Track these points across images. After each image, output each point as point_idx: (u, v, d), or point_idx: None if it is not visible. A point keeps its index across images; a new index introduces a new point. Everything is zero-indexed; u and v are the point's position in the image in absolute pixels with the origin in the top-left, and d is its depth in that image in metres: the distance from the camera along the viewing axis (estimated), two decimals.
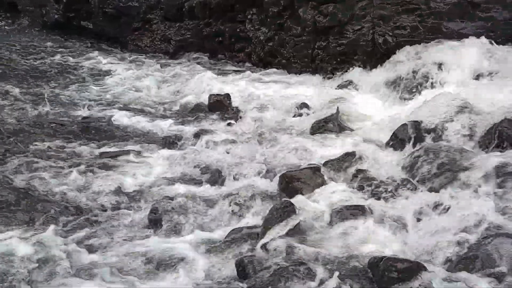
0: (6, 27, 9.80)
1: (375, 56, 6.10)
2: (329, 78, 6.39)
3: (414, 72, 5.44)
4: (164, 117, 5.79)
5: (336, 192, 3.57)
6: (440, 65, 5.22)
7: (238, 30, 7.69)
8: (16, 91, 6.26)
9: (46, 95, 6.11)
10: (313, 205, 3.45)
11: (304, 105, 5.47)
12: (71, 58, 7.96)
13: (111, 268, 3.05)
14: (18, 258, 3.07)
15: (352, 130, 4.64)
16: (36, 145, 4.77)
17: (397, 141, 4.00)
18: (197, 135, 5.02)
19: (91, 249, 3.27)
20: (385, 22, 6.08)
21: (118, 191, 4.00)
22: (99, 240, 3.38)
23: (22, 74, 7.05)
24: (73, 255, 3.17)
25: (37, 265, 3.02)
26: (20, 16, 10.15)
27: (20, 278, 2.92)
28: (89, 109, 5.90)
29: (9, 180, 4.06)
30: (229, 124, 5.42)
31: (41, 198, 3.87)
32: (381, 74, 5.70)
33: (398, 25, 5.96)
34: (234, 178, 4.20)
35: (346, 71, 6.21)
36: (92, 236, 3.42)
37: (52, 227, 3.46)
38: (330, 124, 4.74)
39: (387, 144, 4.08)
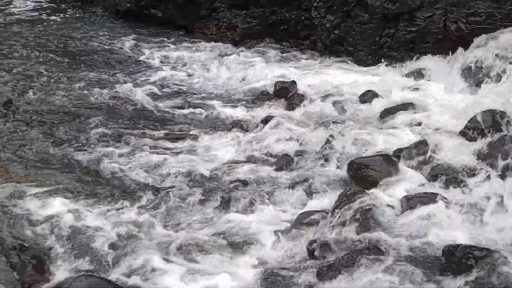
0: (79, 15, 10.34)
1: (446, 44, 5.89)
2: (397, 66, 6.26)
3: (488, 60, 5.21)
4: (231, 103, 5.93)
5: (408, 180, 3.54)
6: None
7: (303, 17, 7.68)
8: (89, 76, 6.65)
9: (114, 81, 6.44)
10: (384, 192, 3.46)
11: (371, 93, 5.41)
12: (140, 45, 8.29)
13: (186, 244, 3.24)
14: (100, 231, 3.32)
15: (423, 118, 4.55)
16: (111, 129, 5.05)
17: (472, 129, 3.88)
18: (264, 121, 5.11)
19: (166, 226, 3.48)
20: (458, 9, 5.86)
21: (191, 172, 4.18)
22: (174, 217, 3.57)
23: (93, 60, 7.45)
24: (150, 231, 3.39)
25: (117, 238, 3.26)
26: (93, 5, 10.68)
27: (102, 250, 3.15)
28: (157, 95, 6.14)
29: (89, 162, 4.35)
30: (295, 111, 5.48)
31: (120, 179, 4.12)
32: (453, 62, 5.51)
33: (473, 11, 5.73)
34: (302, 163, 4.26)
35: (416, 59, 6.05)
36: (167, 214, 3.61)
37: (130, 204, 3.72)
38: (400, 112, 4.67)
39: (461, 132, 3.98)
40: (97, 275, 2.77)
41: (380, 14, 6.52)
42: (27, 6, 11.15)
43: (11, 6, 11.06)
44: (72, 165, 4.27)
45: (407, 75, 5.81)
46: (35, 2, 11.60)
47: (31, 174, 4.02)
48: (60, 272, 2.93)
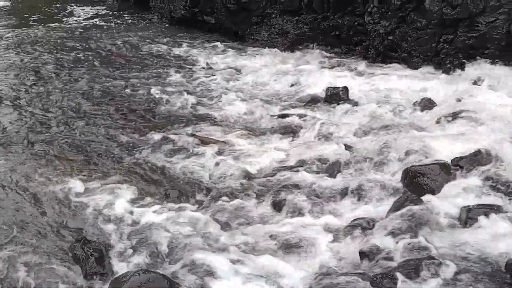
0: (137, 22, 10.74)
1: (510, 51, 5.64)
2: (454, 72, 6.05)
3: None
4: (282, 108, 5.93)
5: (467, 189, 3.41)
6: None
7: (356, 23, 7.59)
8: (140, 75, 6.88)
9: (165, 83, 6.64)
10: (441, 202, 3.34)
11: (427, 100, 5.26)
12: (192, 50, 8.50)
13: (240, 245, 3.27)
14: (157, 229, 3.42)
15: (483, 126, 4.37)
16: (166, 131, 5.20)
17: None
18: (315, 126, 5.08)
19: (220, 226, 3.52)
20: None
21: (243, 174, 4.23)
22: (227, 219, 3.62)
23: (145, 63, 7.70)
24: (205, 231, 3.45)
25: (173, 236, 3.34)
26: (150, 13, 11.06)
27: (159, 247, 3.24)
28: (206, 98, 6.24)
29: (145, 160, 4.50)
30: (347, 117, 5.40)
31: (175, 177, 4.24)
32: None
33: None
34: (354, 169, 4.20)
35: (476, 66, 5.83)
36: (220, 214, 3.67)
37: (186, 204, 3.81)
38: (458, 120, 4.51)
39: None
40: (155, 271, 2.84)
41: (439, 19, 6.33)
42: (86, 14, 11.69)
43: (72, 15, 11.64)
44: (131, 164, 4.43)
45: (466, 82, 5.60)
46: (94, 10, 12.15)
47: (95, 171, 4.22)
48: (120, 266, 3.04)
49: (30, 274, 3.06)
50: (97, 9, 12.13)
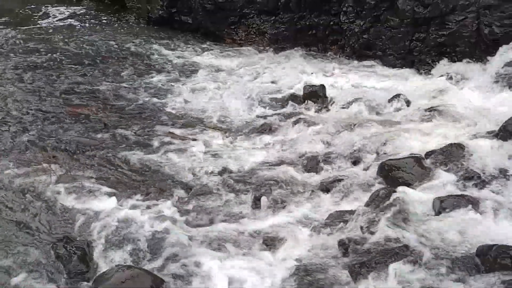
0: (114, 22, 10.65)
1: (479, 48, 5.84)
2: (427, 70, 6.23)
3: None
4: (261, 106, 5.99)
5: (440, 182, 3.54)
6: None
7: (332, 22, 7.71)
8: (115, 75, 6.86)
9: (144, 84, 6.64)
10: (416, 193, 3.46)
11: (401, 97, 5.40)
12: (169, 50, 8.49)
13: (221, 239, 3.33)
14: (138, 226, 3.45)
15: (455, 121, 4.53)
16: (146, 130, 5.21)
17: (506, 132, 3.85)
18: (293, 124, 5.18)
19: (201, 222, 3.58)
20: (491, 12, 5.80)
21: (223, 172, 4.29)
22: (208, 215, 3.67)
23: (122, 63, 7.66)
24: (183, 227, 3.50)
25: (154, 233, 3.38)
26: (127, 13, 10.98)
27: (140, 243, 3.28)
28: (186, 97, 6.26)
29: (124, 158, 4.52)
30: (324, 114, 5.51)
31: (155, 176, 4.27)
32: (487, 65, 5.46)
33: (507, 14, 5.66)
34: (331, 165, 4.31)
35: (447, 63, 6.02)
36: (202, 210, 3.72)
37: (166, 200, 3.85)
38: (431, 115, 4.66)
39: (495, 135, 3.94)
40: (138, 266, 2.87)
41: (411, 18, 6.51)
42: (62, 15, 11.51)
43: (47, 16, 11.45)
44: (110, 162, 4.44)
45: (438, 79, 5.77)
46: (70, 11, 11.98)
47: (72, 170, 4.21)
48: (103, 263, 3.06)
49: (13, 274, 3.06)
50: (73, 10, 11.95)
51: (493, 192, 3.30)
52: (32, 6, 12.01)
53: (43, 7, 11.96)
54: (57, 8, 11.96)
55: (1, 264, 3.13)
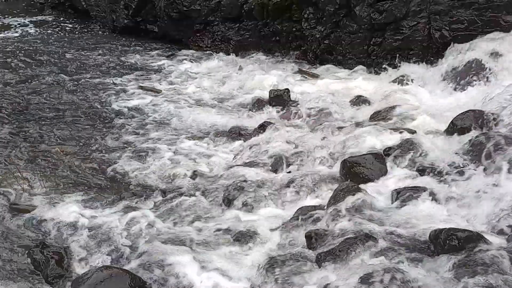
0: (79, 32, 10.63)
1: (431, 51, 6.24)
2: (384, 72, 6.58)
3: (469, 64, 5.55)
4: (228, 111, 6.20)
5: (397, 175, 3.83)
6: (495, 57, 5.32)
7: (294, 29, 8.01)
8: (89, 83, 6.92)
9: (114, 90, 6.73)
10: (375, 186, 3.74)
11: (361, 98, 5.72)
12: (136, 58, 8.58)
13: (194, 239, 3.49)
14: (113, 229, 3.58)
15: (409, 119, 4.85)
16: (115, 137, 5.32)
17: (456, 128, 4.18)
18: (260, 127, 5.38)
19: (175, 223, 3.73)
20: (441, 17, 6.21)
21: (194, 175, 4.45)
22: (180, 216, 3.82)
23: (90, 70, 7.71)
24: (159, 229, 3.63)
25: (129, 235, 3.52)
26: (92, 22, 10.98)
27: (116, 246, 3.40)
28: (154, 104, 6.39)
29: (98, 167, 4.62)
30: (289, 117, 5.75)
31: (128, 182, 4.39)
32: (437, 67, 5.85)
33: (455, 19, 6.07)
34: (297, 164, 4.54)
35: (402, 66, 6.39)
36: (174, 212, 3.87)
37: (139, 204, 3.98)
38: (388, 115, 4.97)
39: (446, 131, 4.27)
40: (116, 266, 2.99)
41: (368, 24, 6.86)
42: (24, 25, 11.37)
43: (7, 26, 11.30)
44: (84, 169, 4.53)
45: (394, 81, 6.13)
46: (33, 20, 11.85)
47: (46, 177, 4.27)
48: (80, 266, 3.17)
49: None
50: (35, 20, 11.85)
51: (444, 182, 3.60)
52: None
53: (6, 18, 11.80)
54: (18, 18, 11.82)
55: None
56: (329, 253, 3.00)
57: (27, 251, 3.30)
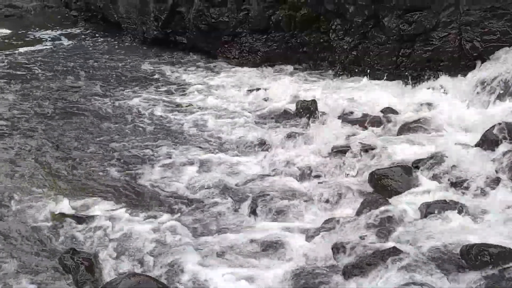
0: (110, 43, 10.92)
1: (462, 62, 6.14)
2: (414, 84, 6.51)
3: (502, 76, 5.43)
4: (255, 122, 6.21)
5: (427, 188, 3.77)
6: None
7: (322, 40, 8.03)
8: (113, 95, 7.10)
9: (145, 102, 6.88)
10: (404, 199, 3.68)
11: (389, 109, 5.66)
12: (163, 69, 8.74)
13: (221, 248, 3.51)
14: (141, 237, 3.63)
15: (439, 131, 4.78)
16: (144, 147, 5.42)
17: (487, 141, 4.09)
18: (286, 137, 5.39)
19: (202, 232, 3.76)
20: (472, 28, 6.12)
21: (222, 185, 4.47)
22: (208, 225, 3.85)
23: (120, 81, 7.90)
24: (185, 237, 3.67)
25: (157, 243, 3.56)
26: (123, 34, 11.27)
27: (144, 253, 3.45)
28: (182, 116, 6.48)
29: (127, 176, 4.72)
30: (316, 127, 5.73)
31: (155, 191, 4.45)
32: (469, 78, 5.74)
33: (487, 30, 5.97)
34: (324, 175, 4.52)
35: (432, 77, 6.31)
36: (202, 222, 3.90)
37: (167, 213, 4.03)
38: (417, 126, 4.91)
39: (477, 144, 4.18)
40: (143, 274, 3.04)
41: (397, 35, 6.82)
42: (57, 38, 11.73)
43: (42, 38, 11.70)
44: (112, 178, 4.64)
45: (424, 93, 6.04)
46: (66, 33, 12.23)
47: (76, 185, 4.39)
48: (108, 272, 3.22)
49: (22, 285, 3.21)
50: (67, 33, 12.23)
51: (475, 196, 3.52)
52: (29, 30, 12.28)
53: (40, 31, 12.23)
54: (50, 31, 12.22)
55: (10, 276, 3.27)
56: (356, 265, 2.97)
57: (58, 257, 3.38)
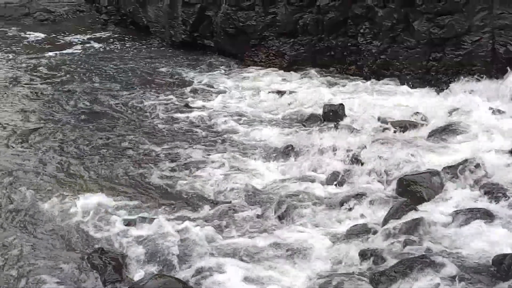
0: (138, 47, 11.10)
1: (495, 66, 5.99)
2: (444, 88, 6.38)
3: None
4: (281, 126, 6.19)
5: (457, 195, 3.67)
6: None
7: (349, 44, 7.96)
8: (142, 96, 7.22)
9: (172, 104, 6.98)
10: (433, 206, 3.60)
11: (419, 114, 5.56)
12: (192, 72, 8.83)
13: (246, 251, 3.51)
14: (167, 238, 3.65)
15: (471, 137, 4.66)
16: (171, 148, 5.48)
17: None
18: (313, 141, 5.35)
19: (228, 236, 3.76)
20: (506, 32, 5.96)
21: (247, 189, 4.47)
22: (234, 228, 3.86)
23: (148, 83, 8.01)
24: (211, 239, 3.68)
25: (182, 244, 3.58)
26: (151, 37, 11.44)
27: (170, 254, 3.47)
28: (207, 118, 6.51)
29: (154, 177, 4.77)
30: (343, 132, 5.68)
31: (182, 193, 4.49)
32: (501, 83, 5.59)
33: None
34: (351, 180, 4.47)
35: (463, 82, 6.17)
36: (228, 224, 3.91)
37: (192, 216, 4.05)
38: (448, 132, 4.80)
39: (510, 151, 4.06)
40: (170, 275, 3.06)
41: (427, 39, 6.70)
42: (88, 42, 11.97)
43: (73, 43, 11.97)
44: (140, 179, 4.70)
45: (455, 97, 5.91)
46: (97, 36, 12.48)
47: (108, 186, 4.48)
48: (135, 272, 3.26)
49: (50, 282, 3.27)
50: (96, 37, 12.46)
51: (507, 205, 3.41)
52: (61, 34, 12.60)
53: (71, 35, 12.53)
54: (80, 35, 12.50)
55: (39, 272, 3.34)
56: (384, 273, 2.92)
57: (86, 256, 3.44)
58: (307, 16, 8.28)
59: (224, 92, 7.67)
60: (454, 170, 3.96)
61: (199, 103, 7.16)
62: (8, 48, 10.89)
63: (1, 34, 12.71)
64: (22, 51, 10.74)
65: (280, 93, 7.40)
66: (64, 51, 10.71)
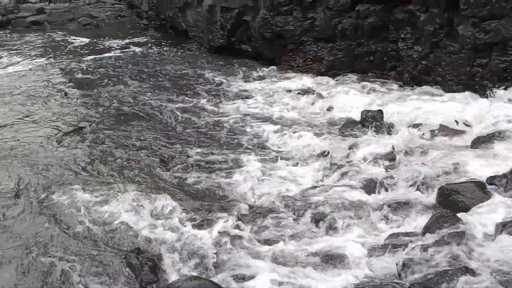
0: (176, 51, 11.29)
1: None
2: (489, 95, 6.15)
3: None
4: (319, 131, 6.12)
5: (502, 206, 3.51)
6: None
7: (389, 49, 7.79)
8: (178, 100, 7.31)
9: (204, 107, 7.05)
10: (476, 217, 3.46)
11: (462, 121, 5.37)
12: (228, 76, 8.88)
13: (281, 257, 3.48)
14: (203, 240, 3.68)
15: None
16: (206, 152, 5.51)
17: None
18: (351, 148, 5.26)
19: (263, 240, 3.74)
20: None
21: (283, 194, 4.44)
22: (269, 233, 3.83)
23: (185, 87, 8.12)
24: (246, 243, 3.67)
25: (218, 247, 3.59)
26: (189, 42, 11.62)
27: (205, 256, 3.49)
28: (242, 122, 6.53)
29: (188, 177, 4.83)
30: (382, 139, 5.56)
31: (217, 196, 4.51)
32: None
33: None
34: (390, 188, 4.36)
35: (510, 88, 5.92)
36: (262, 229, 3.89)
37: (227, 219, 4.05)
38: (493, 140, 4.61)
39: None
40: (205, 278, 3.07)
41: (472, 44, 6.48)
42: (127, 46, 12.27)
43: (114, 46, 12.30)
44: (175, 180, 4.77)
45: (501, 104, 5.69)
46: (130, 42, 12.76)
47: (139, 186, 4.56)
48: (171, 273, 3.29)
49: (88, 280, 3.35)
50: (135, 41, 12.76)
51: None
52: (103, 39, 12.99)
53: (111, 39, 12.90)
54: (123, 39, 12.83)
55: (76, 271, 3.42)
56: (422, 284, 2.82)
57: (124, 256, 3.50)
58: (346, 21, 8.18)
59: (260, 96, 7.68)
60: (499, 180, 3.79)
61: (234, 107, 7.20)
62: (52, 53, 11.32)
63: (46, 39, 13.25)
64: (64, 55, 11.15)
65: (317, 98, 7.35)
66: (103, 55, 11.03)
